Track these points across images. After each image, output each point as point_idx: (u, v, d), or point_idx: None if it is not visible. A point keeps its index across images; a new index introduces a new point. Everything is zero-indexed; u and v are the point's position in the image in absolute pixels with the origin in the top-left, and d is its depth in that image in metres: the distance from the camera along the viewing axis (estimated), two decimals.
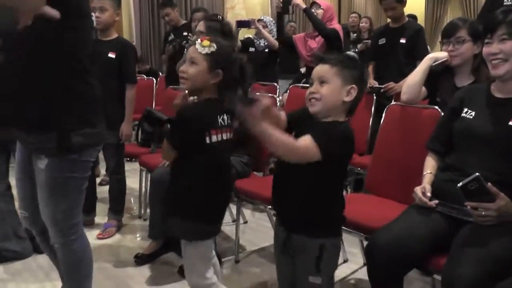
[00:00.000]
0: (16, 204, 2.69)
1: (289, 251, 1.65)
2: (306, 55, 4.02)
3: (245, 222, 3.36)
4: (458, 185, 1.56)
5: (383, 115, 2.44)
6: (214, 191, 1.76)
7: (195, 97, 1.80)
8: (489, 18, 1.79)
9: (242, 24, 4.73)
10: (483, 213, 1.57)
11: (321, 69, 1.57)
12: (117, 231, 3.21)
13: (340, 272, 2.48)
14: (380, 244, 1.66)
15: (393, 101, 2.78)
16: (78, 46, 1.73)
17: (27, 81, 1.67)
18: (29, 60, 1.65)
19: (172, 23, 4.77)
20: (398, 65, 3.48)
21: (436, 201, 1.77)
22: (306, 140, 1.45)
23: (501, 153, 1.68)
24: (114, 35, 3.12)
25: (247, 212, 3.44)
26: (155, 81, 4.86)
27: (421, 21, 8.70)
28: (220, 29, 2.71)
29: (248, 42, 5.03)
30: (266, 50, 4.81)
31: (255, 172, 2.86)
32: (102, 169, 4.18)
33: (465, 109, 1.86)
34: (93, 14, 2.87)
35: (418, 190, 1.82)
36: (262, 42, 4.83)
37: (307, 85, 3.83)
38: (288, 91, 4.06)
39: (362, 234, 2.00)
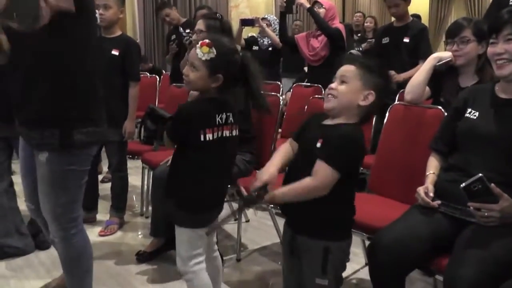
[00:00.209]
0: (19, 200, 2.72)
1: (294, 251, 1.66)
2: (309, 55, 4.02)
3: (247, 221, 3.36)
4: (461, 185, 1.55)
5: (386, 114, 2.43)
6: (204, 186, 1.80)
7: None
8: (494, 18, 1.78)
9: (246, 22, 4.73)
10: (486, 214, 1.56)
11: (345, 69, 1.60)
12: (119, 228, 3.21)
13: None
14: (382, 244, 1.66)
15: (396, 100, 2.77)
16: (82, 45, 1.76)
17: (32, 80, 1.71)
18: (34, 59, 1.68)
19: (174, 22, 4.77)
20: (401, 64, 3.47)
21: (439, 202, 1.76)
22: (321, 171, 1.50)
23: (505, 153, 1.67)
24: (118, 33, 3.12)
25: (249, 210, 3.43)
26: (158, 79, 4.86)
27: (425, 20, 8.68)
28: (220, 27, 2.73)
29: (251, 41, 5.03)
30: (270, 49, 4.81)
31: (257, 171, 2.85)
32: (105, 166, 4.18)
33: (469, 109, 1.85)
34: (97, 11, 2.88)
35: (420, 190, 1.81)
36: (266, 41, 4.83)
37: (309, 84, 3.85)
38: (291, 90, 4.06)
39: (364, 234, 1.99)
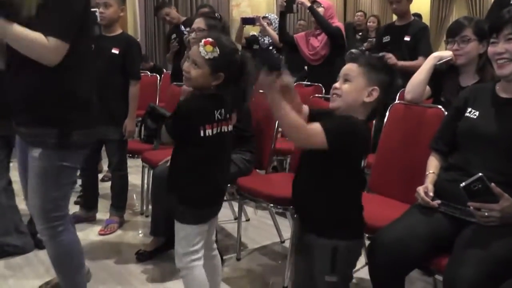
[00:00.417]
0: (18, 199, 2.72)
1: (304, 248, 1.68)
2: (309, 54, 4.01)
3: (247, 220, 3.36)
4: (461, 185, 1.54)
5: (387, 114, 2.42)
6: (205, 181, 1.83)
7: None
8: (495, 18, 1.77)
9: (246, 21, 4.72)
10: (486, 213, 1.56)
11: (348, 67, 1.62)
12: (119, 227, 3.21)
13: None
14: (381, 244, 1.65)
15: (396, 99, 2.76)
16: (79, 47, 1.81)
17: (32, 80, 1.76)
18: (32, 65, 1.71)
19: (174, 21, 4.76)
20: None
21: (439, 201, 1.76)
22: (315, 126, 1.48)
23: (505, 153, 1.67)
24: (119, 31, 3.12)
25: (249, 209, 3.43)
26: (159, 78, 4.86)
27: (426, 20, 8.65)
28: (220, 27, 2.73)
29: (252, 40, 5.02)
30: (271, 48, 4.80)
31: (257, 170, 2.85)
32: (105, 165, 4.18)
33: (469, 109, 1.84)
34: (97, 9, 2.88)
35: (420, 190, 1.81)
36: (267, 40, 4.82)
37: (309, 83, 3.83)
38: None
39: (364, 234, 1.98)
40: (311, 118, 1.69)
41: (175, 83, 3.88)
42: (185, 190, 1.82)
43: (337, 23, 3.97)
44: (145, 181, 3.46)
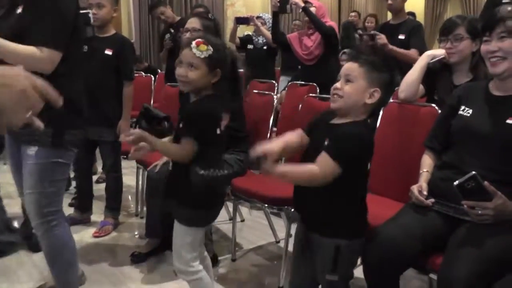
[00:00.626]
0: (11, 201, 2.71)
1: (306, 247, 1.68)
2: (302, 54, 4.00)
3: (242, 221, 3.35)
4: (455, 183, 1.54)
5: (380, 113, 2.42)
6: (218, 180, 1.82)
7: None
8: (488, 16, 1.77)
9: (240, 20, 4.71)
10: (480, 212, 1.56)
11: (349, 67, 1.59)
12: (114, 229, 3.19)
13: None
14: (375, 243, 1.65)
15: (390, 99, 2.76)
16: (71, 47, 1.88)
17: None
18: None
19: (168, 20, 4.75)
20: (396, 61, 3.47)
21: (433, 200, 1.76)
22: (323, 161, 1.48)
23: (498, 151, 1.67)
24: (112, 32, 3.10)
25: (244, 210, 3.43)
26: (153, 78, 4.84)
27: (420, 19, 8.67)
28: (213, 28, 2.72)
29: (246, 39, 5.02)
30: (265, 48, 4.80)
31: (251, 170, 2.85)
32: (99, 167, 4.16)
33: (463, 107, 1.84)
34: (90, 10, 2.86)
35: (414, 188, 1.81)
36: (261, 39, 4.82)
37: (303, 82, 3.83)
38: (286, 88, 4.04)
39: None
40: (308, 132, 1.69)
41: (169, 83, 3.87)
42: (199, 193, 1.77)
43: (330, 22, 3.97)
44: (140, 182, 3.44)
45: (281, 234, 2.89)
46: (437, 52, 2.29)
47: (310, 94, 3.15)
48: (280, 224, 2.96)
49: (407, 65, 3.37)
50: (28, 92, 0.95)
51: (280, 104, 3.53)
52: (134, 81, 3.15)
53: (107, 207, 3.25)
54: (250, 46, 4.94)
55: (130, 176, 3.74)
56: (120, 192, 3.30)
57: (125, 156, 3.43)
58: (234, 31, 4.96)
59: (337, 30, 3.94)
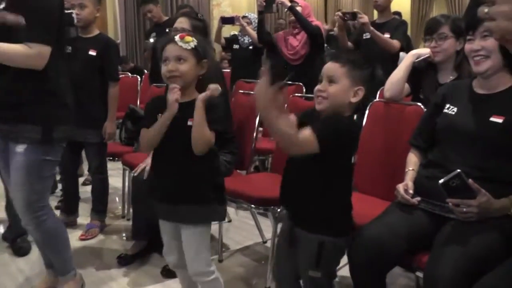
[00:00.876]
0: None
1: (292, 242, 1.68)
2: (288, 54, 4.00)
3: (229, 221, 3.33)
4: (440, 181, 1.55)
5: (366, 112, 2.42)
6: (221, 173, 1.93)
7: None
8: (471, 15, 1.79)
9: (226, 20, 4.70)
10: (464, 209, 1.56)
11: (331, 67, 1.59)
12: (100, 231, 3.16)
13: None
14: (361, 242, 1.65)
15: (377, 97, 2.77)
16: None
17: (16, 80, 1.90)
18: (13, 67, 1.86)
19: (154, 19, 4.72)
20: (382, 59, 3.48)
21: (419, 198, 1.76)
22: (305, 133, 1.47)
23: (482, 149, 1.68)
24: (96, 32, 3.07)
25: (230, 210, 3.41)
26: (139, 79, 4.80)
27: (406, 18, 8.68)
28: (202, 28, 2.70)
29: (232, 39, 5.00)
30: (251, 47, 4.79)
31: (238, 170, 2.84)
32: (86, 169, 4.12)
33: (447, 105, 1.85)
34: (72, 11, 2.83)
35: (400, 187, 1.81)
36: (247, 39, 4.81)
37: (290, 82, 3.82)
38: None
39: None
40: (300, 123, 1.67)
41: (154, 84, 3.84)
42: (215, 188, 1.82)
43: (316, 22, 3.97)
44: (126, 184, 3.41)
45: (268, 234, 2.89)
46: (422, 51, 2.31)
47: (296, 94, 3.15)
48: (267, 224, 2.96)
49: (390, 62, 3.42)
50: None
51: None
52: (120, 82, 3.12)
53: (93, 210, 3.21)
54: (236, 46, 4.92)
55: (117, 177, 3.71)
56: (106, 194, 3.27)
57: (111, 158, 3.42)
58: (219, 31, 4.94)
59: (323, 29, 3.95)
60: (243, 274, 2.60)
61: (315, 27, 3.86)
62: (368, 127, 2.40)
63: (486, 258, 1.46)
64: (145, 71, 6.03)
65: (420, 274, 1.63)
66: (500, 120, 1.66)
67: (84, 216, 3.29)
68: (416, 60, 2.30)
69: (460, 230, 1.56)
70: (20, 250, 2.77)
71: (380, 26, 3.70)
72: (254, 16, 4.91)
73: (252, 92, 3.09)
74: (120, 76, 3.31)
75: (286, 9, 3.96)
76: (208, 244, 1.86)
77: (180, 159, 1.76)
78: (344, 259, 2.33)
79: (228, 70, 4.81)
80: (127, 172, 3.34)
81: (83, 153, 3.31)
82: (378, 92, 2.93)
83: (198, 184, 1.78)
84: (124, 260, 2.68)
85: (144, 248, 2.74)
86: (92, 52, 2.97)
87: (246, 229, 3.18)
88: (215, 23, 7.54)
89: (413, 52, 2.34)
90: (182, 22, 2.69)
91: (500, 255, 1.47)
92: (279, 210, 2.30)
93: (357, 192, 2.35)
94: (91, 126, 3.01)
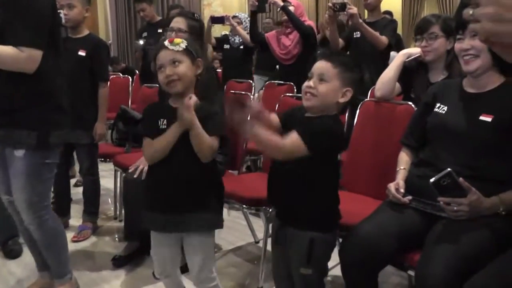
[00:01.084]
0: None
1: (281, 241, 1.69)
2: (280, 53, 4.00)
3: None
4: (431, 180, 1.56)
5: (357, 111, 2.43)
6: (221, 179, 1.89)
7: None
8: (461, 15, 1.79)
9: (216, 20, 4.68)
10: (455, 208, 1.57)
11: (324, 66, 1.60)
12: (93, 233, 3.15)
13: None
14: (352, 242, 1.65)
15: (368, 97, 2.78)
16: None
17: (9, 91, 1.91)
18: (7, 72, 1.85)
19: (147, 18, 4.70)
20: (372, 58, 3.49)
21: (410, 197, 1.77)
22: (293, 138, 1.49)
23: (472, 147, 1.68)
24: (85, 32, 3.05)
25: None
26: (131, 79, 4.78)
27: (398, 18, 8.73)
28: (199, 29, 2.69)
29: (223, 39, 5.00)
30: (241, 47, 4.78)
31: (230, 171, 2.83)
32: (78, 170, 4.09)
33: (438, 104, 1.86)
34: (61, 11, 2.81)
35: (391, 186, 1.81)
36: (237, 39, 4.80)
37: (282, 82, 3.82)
38: (263, 88, 4.03)
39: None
40: (283, 123, 1.70)
41: (145, 84, 3.82)
42: (217, 195, 1.81)
43: (309, 21, 3.97)
44: (118, 185, 3.39)
45: (260, 234, 2.89)
46: (413, 50, 2.32)
47: (287, 94, 3.15)
48: (259, 224, 2.96)
49: (380, 61, 3.44)
50: None
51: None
52: (111, 83, 3.11)
53: (85, 211, 3.20)
54: (226, 46, 4.92)
55: (109, 178, 3.69)
56: (98, 196, 3.25)
57: (102, 159, 3.40)
58: (208, 30, 4.93)
59: (315, 29, 3.95)
60: (236, 274, 2.59)
61: (308, 27, 3.86)
62: (359, 126, 2.41)
63: (477, 257, 1.47)
64: (137, 71, 6.02)
65: (412, 273, 1.63)
66: (489, 119, 1.67)
67: (76, 218, 3.27)
68: (407, 60, 2.31)
69: (451, 229, 1.57)
70: (11, 253, 2.75)
71: (370, 25, 3.69)
72: (244, 16, 4.90)
73: (243, 92, 3.09)
74: (112, 76, 3.30)
75: (278, 9, 3.95)
76: (213, 251, 1.86)
77: (184, 167, 1.71)
78: (336, 259, 2.33)
79: (219, 70, 4.80)
80: (118, 173, 3.33)
81: (75, 154, 3.28)
82: (370, 92, 2.94)
83: (203, 191, 1.75)
84: (119, 262, 2.67)
85: (136, 249, 2.73)
86: (82, 53, 2.95)
87: (238, 229, 3.17)
88: (206, 23, 7.53)
89: (404, 51, 2.35)
90: (178, 22, 2.68)
91: (490, 253, 1.47)
92: (270, 210, 2.30)
93: (348, 191, 2.35)
94: (81, 127, 2.99)
